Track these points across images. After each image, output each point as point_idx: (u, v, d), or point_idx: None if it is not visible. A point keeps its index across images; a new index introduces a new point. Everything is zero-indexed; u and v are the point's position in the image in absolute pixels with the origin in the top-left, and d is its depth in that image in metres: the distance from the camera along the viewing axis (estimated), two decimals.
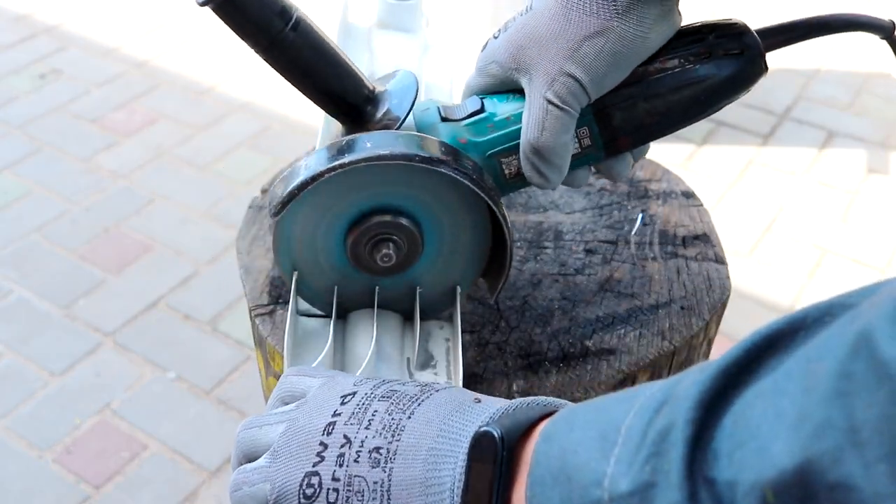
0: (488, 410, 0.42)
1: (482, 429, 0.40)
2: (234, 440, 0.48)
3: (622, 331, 0.65)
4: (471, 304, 0.66)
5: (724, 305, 0.68)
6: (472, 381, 0.61)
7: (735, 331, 1.66)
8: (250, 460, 0.47)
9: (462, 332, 0.63)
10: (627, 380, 0.62)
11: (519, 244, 0.72)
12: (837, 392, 0.27)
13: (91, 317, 1.67)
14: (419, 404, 0.44)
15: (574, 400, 0.61)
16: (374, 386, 0.46)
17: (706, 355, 0.71)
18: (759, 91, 2.33)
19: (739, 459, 0.30)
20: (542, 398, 0.43)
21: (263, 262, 0.70)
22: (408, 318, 0.63)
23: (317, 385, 0.48)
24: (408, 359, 0.59)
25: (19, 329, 1.65)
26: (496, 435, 0.40)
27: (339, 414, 0.45)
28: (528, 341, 0.64)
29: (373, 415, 0.44)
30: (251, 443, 0.47)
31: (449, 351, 0.61)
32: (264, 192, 0.77)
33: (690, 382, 0.33)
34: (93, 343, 1.62)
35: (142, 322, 1.67)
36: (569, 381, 0.61)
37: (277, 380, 0.65)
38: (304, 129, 2.18)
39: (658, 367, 0.64)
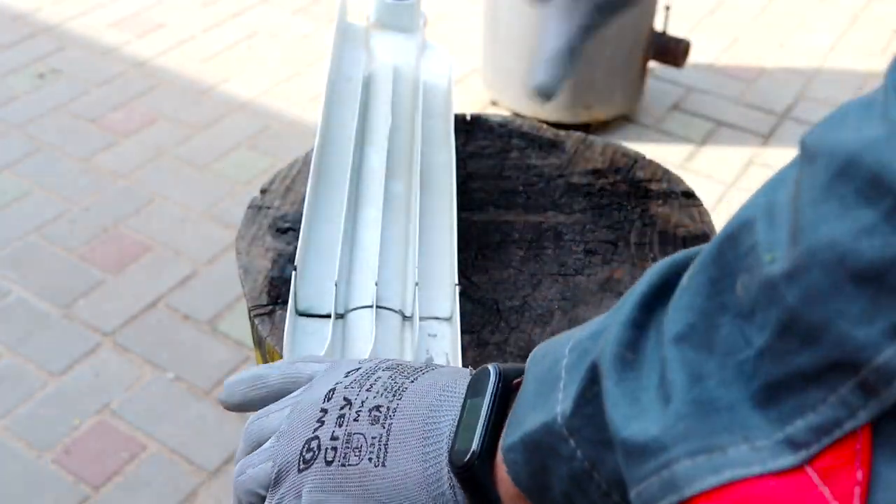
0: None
1: (481, 367, 0.41)
2: (240, 437, 0.48)
3: None
4: (470, 305, 0.66)
5: None
6: None
7: None
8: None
9: (462, 332, 0.63)
10: None
11: (519, 244, 0.72)
12: (770, 184, 0.30)
13: (90, 317, 1.67)
14: (423, 373, 0.44)
15: None
16: (379, 362, 0.46)
17: None
18: (759, 91, 2.33)
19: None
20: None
21: (263, 262, 0.70)
22: (407, 317, 0.63)
23: (323, 370, 0.48)
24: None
25: (18, 329, 1.65)
26: (492, 370, 0.41)
27: (340, 382, 0.45)
28: (528, 341, 0.64)
29: (375, 380, 0.44)
30: (258, 432, 0.47)
31: (448, 352, 0.61)
32: (264, 192, 0.77)
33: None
34: (92, 343, 1.62)
35: (141, 322, 1.66)
36: None
37: None
38: (303, 129, 2.18)
39: None
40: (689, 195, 0.78)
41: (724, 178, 2.04)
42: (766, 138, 2.17)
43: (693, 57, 2.38)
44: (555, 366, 0.36)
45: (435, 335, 0.62)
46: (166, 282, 1.75)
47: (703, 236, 0.73)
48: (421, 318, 0.62)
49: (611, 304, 0.67)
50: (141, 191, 1.98)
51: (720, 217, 1.91)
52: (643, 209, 0.76)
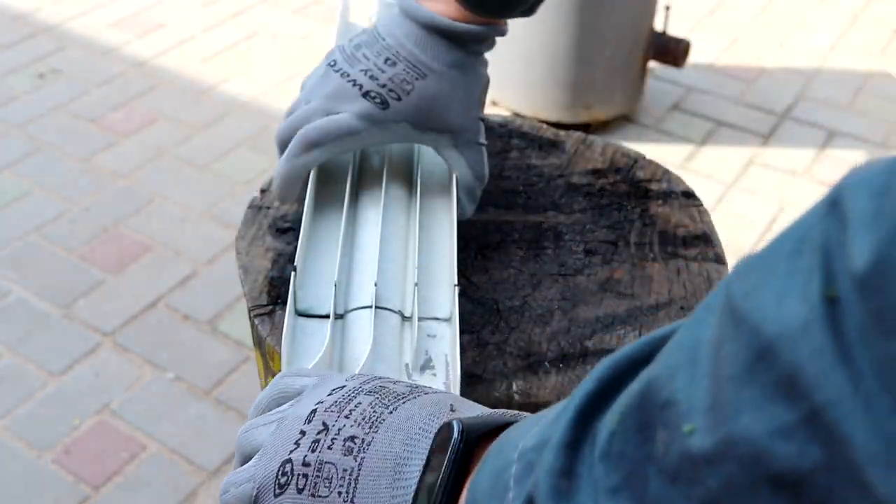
0: (468, 414, 0.43)
1: (447, 422, 0.41)
2: (234, 444, 0.48)
3: (622, 331, 0.64)
4: (470, 305, 0.66)
5: None
6: (472, 381, 0.61)
7: None
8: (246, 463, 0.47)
9: (461, 332, 0.63)
10: None
11: (519, 244, 0.72)
12: (695, 318, 0.28)
13: (90, 317, 1.67)
14: (404, 402, 0.44)
15: None
16: (364, 381, 0.46)
17: None
18: (759, 91, 2.33)
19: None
20: (525, 413, 0.43)
21: (263, 262, 0.70)
22: (406, 318, 0.63)
23: (311, 384, 0.48)
24: (406, 364, 0.59)
25: (18, 329, 1.65)
26: (456, 427, 0.40)
27: (322, 402, 0.45)
28: (528, 342, 0.64)
29: (355, 406, 0.44)
30: (247, 446, 0.47)
31: (448, 353, 0.61)
32: (264, 191, 0.77)
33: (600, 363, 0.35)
34: (92, 343, 1.62)
35: (141, 322, 1.66)
36: (568, 381, 0.61)
37: None
38: None
39: None
40: (689, 195, 0.78)
41: (724, 178, 2.04)
42: (766, 138, 2.17)
43: (693, 57, 2.37)
44: (505, 471, 0.36)
45: (434, 336, 0.62)
46: (166, 282, 1.75)
47: (703, 236, 0.73)
48: (420, 319, 0.62)
49: (611, 304, 0.67)
50: (141, 191, 1.98)
51: (720, 217, 1.91)
52: (643, 209, 0.76)
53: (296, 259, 0.64)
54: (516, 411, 0.44)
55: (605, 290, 0.68)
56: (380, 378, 0.47)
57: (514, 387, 0.60)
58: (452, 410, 0.44)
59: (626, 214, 0.75)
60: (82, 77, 2.35)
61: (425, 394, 0.45)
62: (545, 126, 0.86)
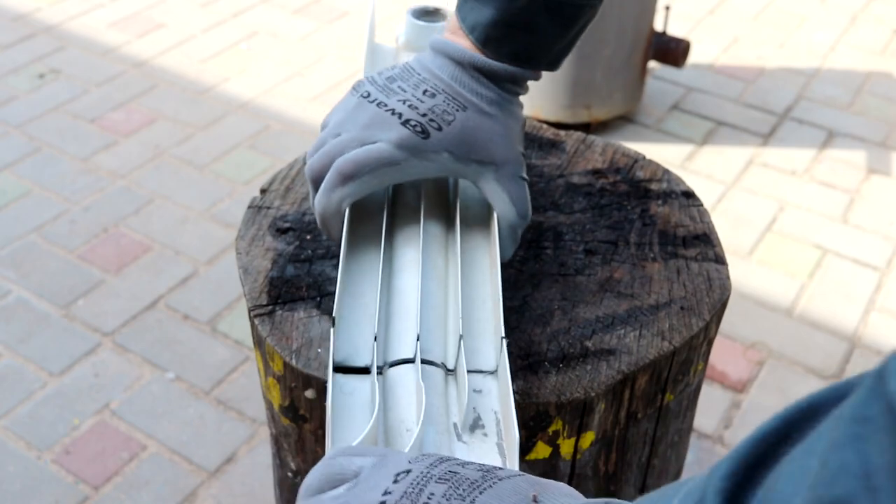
0: None
1: None
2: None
3: (622, 331, 0.64)
4: None
5: (724, 306, 0.68)
6: None
7: (735, 331, 1.66)
8: None
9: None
10: (627, 380, 0.62)
11: (519, 244, 0.72)
12: (853, 436, 0.26)
13: (90, 317, 1.67)
14: (481, 493, 0.40)
15: (574, 401, 0.61)
16: (431, 465, 0.42)
17: (706, 356, 0.71)
18: (759, 91, 2.33)
19: None
20: (602, 500, 0.40)
21: (263, 262, 0.70)
22: (449, 371, 0.59)
23: (369, 465, 0.44)
24: (454, 423, 0.54)
25: (18, 329, 1.65)
26: None
27: (390, 493, 0.41)
28: (528, 342, 0.63)
29: (428, 498, 0.40)
30: None
31: (497, 409, 0.57)
32: (264, 191, 0.77)
33: (724, 457, 0.31)
34: (92, 343, 1.62)
35: (141, 322, 1.66)
36: (568, 381, 0.61)
37: (277, 380, 0.65)
38: (303, 129, 2.18)
39: (658, 368, 0.64)
40: (689, 195, 0.78)
41: (724, 178, 2.04)
42: (766, 138, 2.17)
43: (693, 57, 2.37)
44: None
45: (480, 391, 0.58)
46: (166, 282, 1.75)
47: (703, 236, 0.73)
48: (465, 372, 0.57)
49: (611, 304, 0.67)
50: (141, 191, 1.98)
51: (720, 217, 1.91)
52: (643, 209, 0.76)
53: (334, 309, 0.59)
54: (606, 499, 0.40)
55: (605, 290, 0.68)
56: (447, 460, 0.43)
57: (514, 387, 0.60)
58: (535, 502, 0.40)
59: (626, 214, 0.75)
60: (82, 77, 2.35)
61: (499, 479, 0.41)
62: (545, 126, 0.86)
